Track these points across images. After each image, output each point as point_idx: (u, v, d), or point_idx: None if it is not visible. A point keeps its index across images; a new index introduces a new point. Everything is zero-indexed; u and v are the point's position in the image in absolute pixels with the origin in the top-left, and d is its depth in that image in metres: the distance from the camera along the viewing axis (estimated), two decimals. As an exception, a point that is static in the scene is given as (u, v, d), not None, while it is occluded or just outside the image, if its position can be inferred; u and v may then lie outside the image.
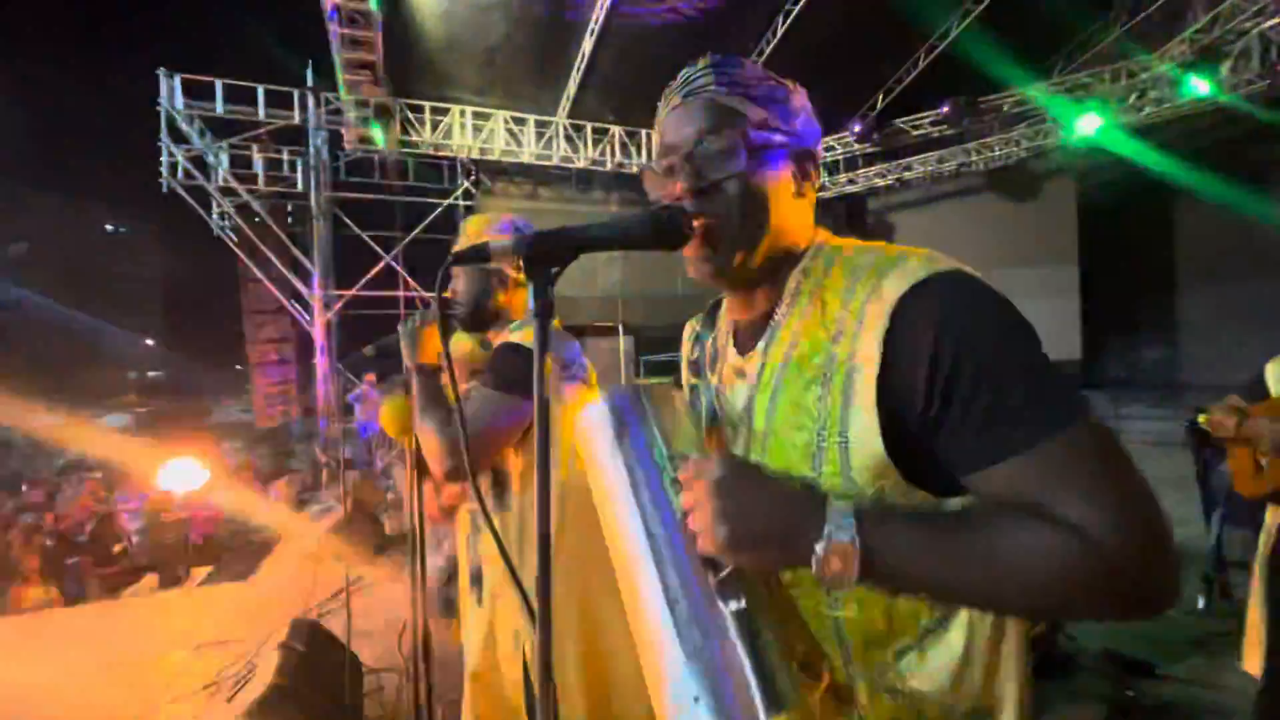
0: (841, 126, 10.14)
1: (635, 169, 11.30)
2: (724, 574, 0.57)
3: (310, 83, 9.57)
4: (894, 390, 0.58)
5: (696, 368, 0.84)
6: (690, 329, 0.93)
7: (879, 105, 10.43)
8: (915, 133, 9.27)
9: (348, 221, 10.73)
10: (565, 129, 10.56)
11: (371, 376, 9.51)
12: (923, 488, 0.60)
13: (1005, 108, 8.50)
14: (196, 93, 9.36)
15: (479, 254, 0.69)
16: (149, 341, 51.77)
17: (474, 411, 1.38)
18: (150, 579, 5.77)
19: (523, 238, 0.66)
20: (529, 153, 10.40)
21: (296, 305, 10.45)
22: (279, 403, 12.08)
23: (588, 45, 8.79)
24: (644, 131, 11.24)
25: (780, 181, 0.70)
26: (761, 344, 0.70)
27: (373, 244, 10.85)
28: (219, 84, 9.35)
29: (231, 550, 6.70)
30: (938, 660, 0.63)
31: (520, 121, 10.28)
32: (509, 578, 1.43)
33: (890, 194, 11.24)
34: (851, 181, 11.13)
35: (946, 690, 0.62)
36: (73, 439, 18.39)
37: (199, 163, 9.68)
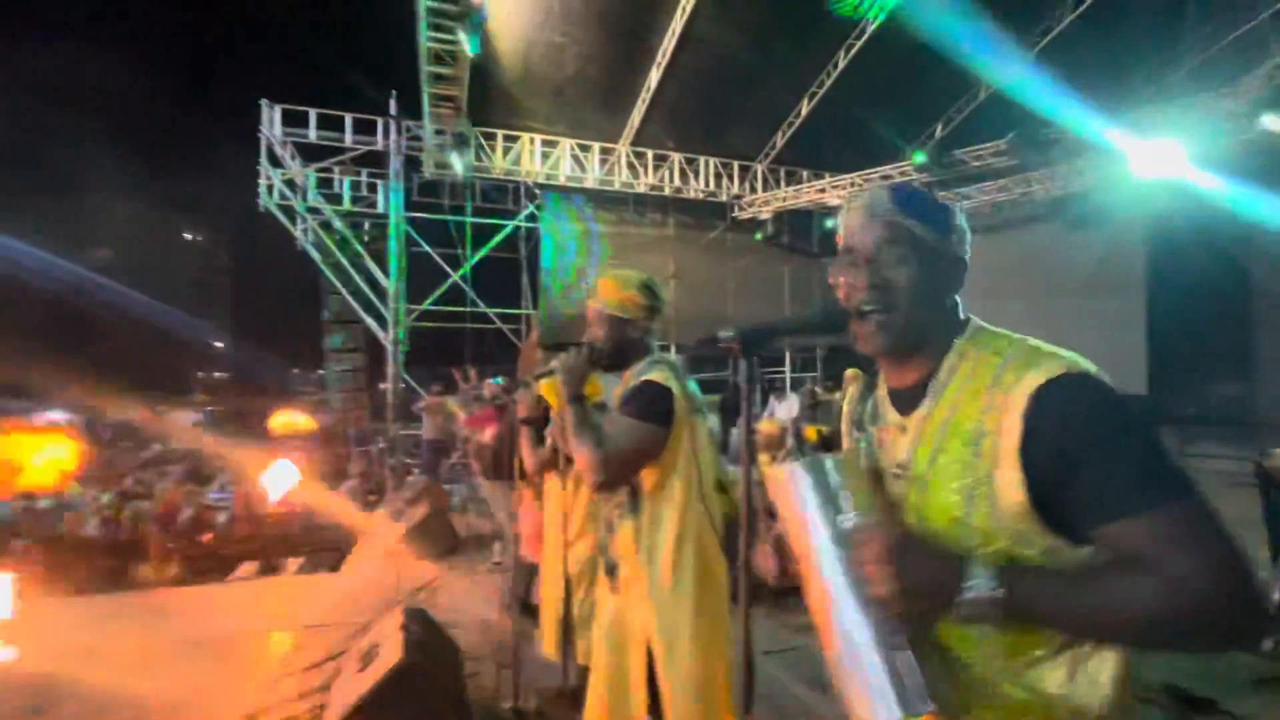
0: (900, 155, 10.28)
1: (693, 194, 11.69)
2: (891, 612, 0.75)
3: (393, 112, 10.36)
4: (1033, 457, 0.75)
5: (858, 422, 1.04)
6: (851, 392, 1.11)
7: (937, 134, 10.53)
8: (975, 164, 9.32)
9: (420, 240, 11.43)
10: (627, 155, 11.01)
11: (437, 388, 10.04)
12: (1057, 534, 0.76)
13: (1069, 140, 8.48)
14: (291, 120, 10.23)
15: (712, 343, 0.98)
16: (219, 344, 54.84)
17: (619, 436, 1.70)
18: (250, 566, 6.29)
19: (740, 329, 0.94)
20: (592, 177, 10.89)
21: (370, 318, 11.15)
22: (349, 408, 12.79)
23: (654, 77, 9.22)
24: (701, 158, 11.61)
25: (938, 282, 0.91)
26: (924, 408, 0.89)
27: (442, 262, 11.50)
28: (312, 113, 10.22)
29: (318, 544, 7.22)
30: (1070, 666, 0.78)
31: (585, 148, 10.79)
32: (642, 574, 1.72)
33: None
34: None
35: (1080, 694, 0.77)
36: (155, 433, 19.71)
37: (289, 183, 10.52)
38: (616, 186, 11.09)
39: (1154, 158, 7.91)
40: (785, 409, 8.18)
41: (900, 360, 0.93)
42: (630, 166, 11.14)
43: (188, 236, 54.63)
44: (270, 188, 10.28)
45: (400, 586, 4.83)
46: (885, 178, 10.19)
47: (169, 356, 45.61)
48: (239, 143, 10.88)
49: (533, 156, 10.55)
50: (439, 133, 9.36)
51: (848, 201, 0.96)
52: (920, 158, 9.63)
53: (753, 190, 11.89)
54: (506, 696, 3.14)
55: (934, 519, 0.83)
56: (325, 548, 7.24)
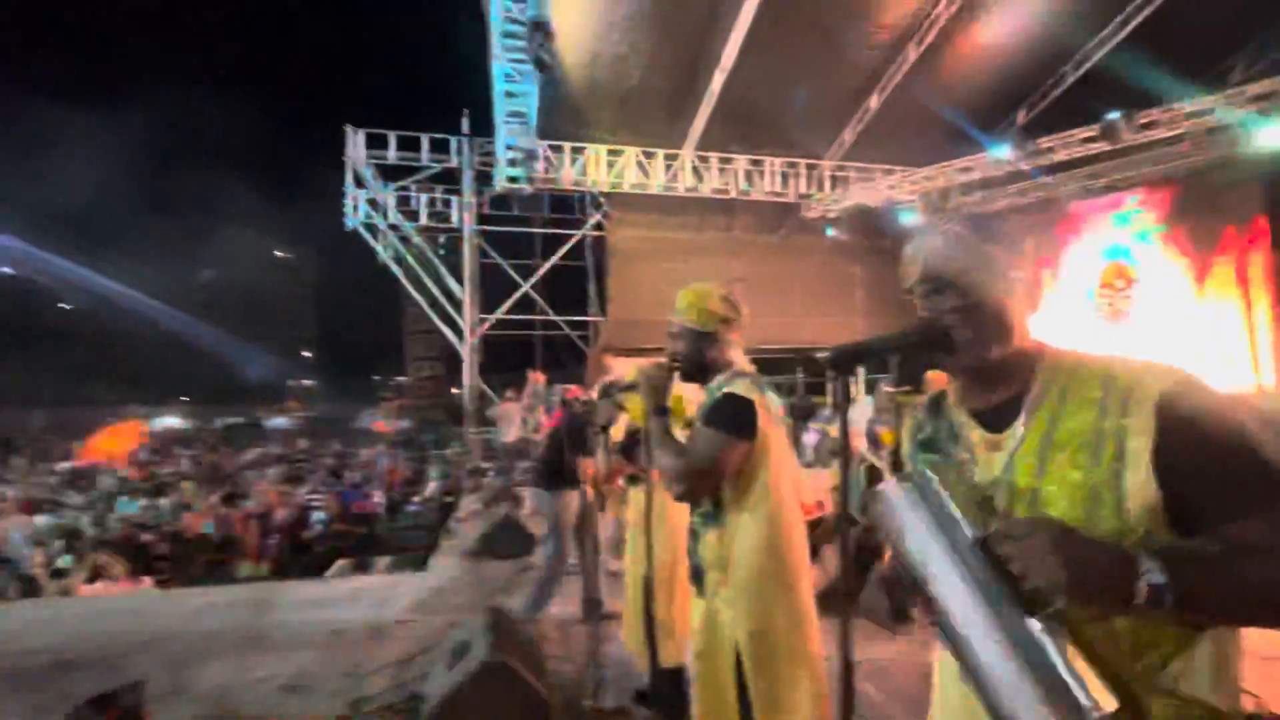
0: (979, 145, 9.81)
1: (759, 195, 11.59)
2: (1051, 611, 0.71)
3: (465, 130, 10.88)
4: (1165, 459, 0.79)
5: (930, 445, 1.05)
6: (912, 419, 1.13)
7: (1019, 121, 9.99)
8: (1064, 151, 8.77)
9: (491, 252, 11.90)
10: (692, 160, 11.05)
11: (511, 393, 10.39)
12: (1178, 530, 0.80)
13: (1170, 120, 7.86)
14: (373, 143, 10.90)
15: (807, 362, 1.01)
16: (306, 354, 58.74)
17: (701, 447, 1.74)
18: (344, 562, 6.71)
19: (835, 349, 0.95)
20: (656, 184, 10.99)
21: (446, 327, 11.68)
22: (427, 413, 13.39)
23: (717, 81, 9.22)
24: (767, 159, 11.49)
25: (1017, 303, 0.94)
26: (1020, 423, 0.91)
27: (513, 272, 11.93)
28: (392, 135, 10.86)
29: (404, 544, 7.61)
30: (1198, 665, 0.79)
31: (649, 155, 10.91)
32: (728, 579, 1.75)
33: (1032, 212, 10.62)
34: (987, 200, 10.66)
35: (1209, 693, 0.79)
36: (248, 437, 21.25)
37: (371, 203, 11.21)
38: (681, 191, 11.15)
39: (1271, 132, 7.22)
40: (858, 412, 7.95)
41: (987, 379, 0.96)
42: (694, 171, 11.17)
43: (280, 255, 58.67)
44: (355, 207, 10.99)
45: (481, 586, 5.01)
46: (964, 170, 9.74)
47: (262, 365, 49.28)
48: (327, 167, 11.70)
49: (599, 166, 10.76)
50: (509, 147, 9.72)
51: (928, 227, 0.99)
52: (1000, 149, 9.16)
53: (820, 189, 11.65)
54: (587, 695, 3.22)
55: None
56: (410, 547, 7.63)
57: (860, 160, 11.62)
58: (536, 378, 8.90)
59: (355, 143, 10.78)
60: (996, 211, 10.29)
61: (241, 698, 3.14)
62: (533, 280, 12.00)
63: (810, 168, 11.68)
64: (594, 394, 4.13)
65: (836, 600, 2.08)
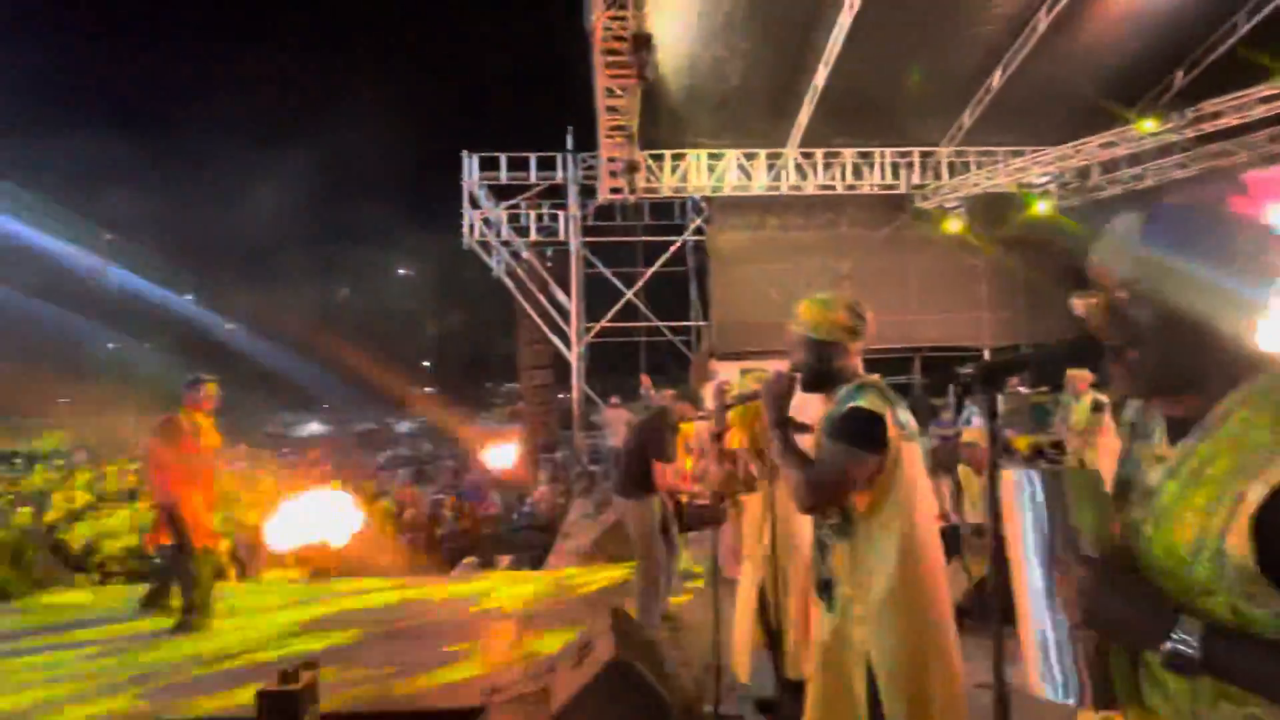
0: (1122, 119, 8.80)
1: (867, 189, 11.11)
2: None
3: (569, 146, 11.37)
4: (1266, 532, 0.71)
5: (1135, 431, 0.98)
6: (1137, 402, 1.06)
7: (1176, 86, 8.86)
8: (1236, 115, 7.65)
9: (596, 262, 12.30)
10: (795, 158, 10.81)
11: (616, 399, 10.64)
12: None
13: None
14: (486, 165, 11.66)
15: (952, 379, 0.97)
16: (426, 364, 63.52)
17: (827, 461, 1.71)
18: (471, 559, 7.16)
19: (981, 365, 0.93)
20: (759, 185, 10.85)
21: (554, 336, 12.20)
22: (538, 419, 14.00)
23: (821, 75, 8.96)
24: (875, 150, 10.99)
25: (1205, 319, 0.81)
26: (1184, 446, 0.83)
27: (616, 281, 12.25)
28: (503, 157, 11.57)
29: (523, 543, 8.01)
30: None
31: (751, 156, 10.80)
32: (861, 595, 1.70)
33: (1193, 186, 9.37)
34: (1136, 178, 9.54)
35: None
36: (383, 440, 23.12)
37: (485, 221, 11.97)
38: (784, 190, 10.93)
39: None
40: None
41: (1159, 397, 0.89)
42: (798, 169, 10.90)
43: (402, 273, 63.77)
44: (471, 227, 11.79)
45: (597, 587, 5.15)
46: (1107, 146, 8.78)
47: (390, 375, 53.72)
48: (445, 190, 12.60)
49: (699, 171, 10.80)
50: (611, 160, 10.00)
51: (1119, 229, 0.88)
52: (1149, 122, 8.14)
53: (936, 177, 10.96)
54: (708, 699, 3.22)
55: (1162, 557, 0.81)
56: (529, 547, 8.02)
57: (981, 144, 10.80)
58: (645, 380, 9.07)
59: (470, 167, 11.58)
60: (1150, 189, 9.17)
61: (391, 681, 3.44)
62: (635, 288, 12.25)
63: (925, 156, 11.03)
64: (710, 402, 4.13)
65: (967, 618, 1.97)
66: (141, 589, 4.56)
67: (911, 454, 1.74)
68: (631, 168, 9.76)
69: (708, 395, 7.21)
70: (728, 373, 9.88)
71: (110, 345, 30.11)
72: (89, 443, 23.93)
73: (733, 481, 3.35)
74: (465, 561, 7.07)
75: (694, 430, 5.67)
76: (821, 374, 1.86)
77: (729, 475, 3.14)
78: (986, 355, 11.66)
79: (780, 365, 2.01)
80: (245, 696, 2.91)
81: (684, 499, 4.68)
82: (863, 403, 1.73)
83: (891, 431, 1.68)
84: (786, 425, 1.83)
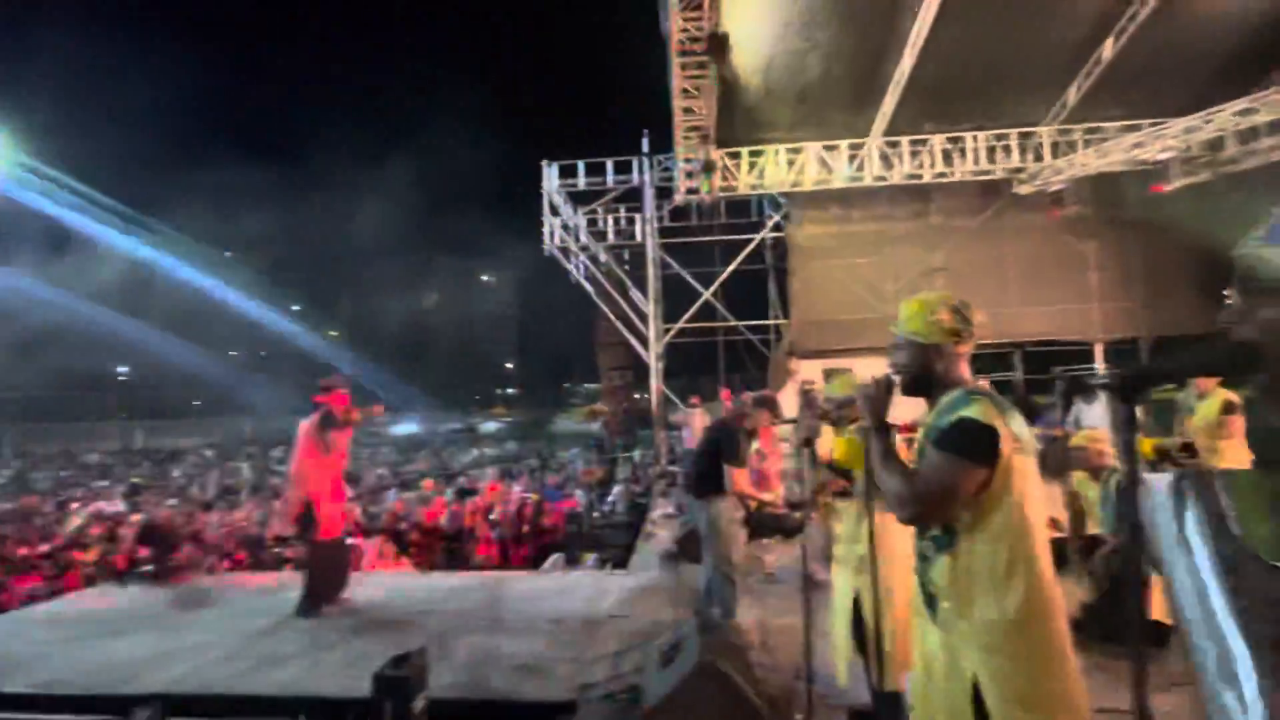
0: (1261, 80, 7.83)
1: (959, 176, 10.49)
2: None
3: (645, 149, 11.48)
4: None
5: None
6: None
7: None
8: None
9: (672, 263, 12.34)
10: (879, 148, 10.39)
11: (695, 399, 10.61)
12: None
13: None
14: (565, 172, 11.97)
15: (1082, 388, 0.89)
16: (509, 365, 65.85)
17: (932, 471, 1.63)
18: (557, 556, 7.35)
19: (1122, 372, 0.86)
20: (840, 177, 10.50)
21: (632, 337, 12.33)
22: (617, 419, 14.20)
23: (907, 61, 8.56)
24: (968, 135, 10.37)
25: None
26: None
27: (693, 281, 12.25)
28: (580, 164, 11.84)
29: (607, 543, 8.14)
30: None
31: (831, 148, 10.47)
32: (966, 612, 1.62)
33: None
34: (1251, 155, 8.43)
35: None
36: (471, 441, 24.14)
37: (564, 228, 12.28)
38: (868, 182, 10.52)
39: None
40: (1096, 413, 6.77)
41: None
42: (883, 159, 10.46)
43: (485, 279, 66.51)
44: (551, 234, 12.13)
45: (680, 588, 5.15)
46: (1244, 113, 7.84)
47: (474, 377, 56.44)
48: (526, 199, 13.05)
49: (777, 166, 10.60)
50: (687, 160, 10.00)
51: (1266, 218, 0.83)
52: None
53: (1038, 159, 10.19)
54: (798, 708, 3.16)
55: None
56: (610, 545, 8.14)
57: (1089, 120, 9.94)
58: (725, 394, 9.00)
59: (550, 175, 11.93)
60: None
61: (488, 672, 3.59)
62: (713, 288, 12.18)
63: (1024, 137, 10.28)
64: (792, 402, 4.04)
65: (1079, 634, 1.83)
66: (263, 575, 5.01)
67: (1025, 468, 1.63)
68: (708, 167, 9.72)
69: (788, 395, 7.07)
70: (809, 372, 9.66)
71: (231, 353, 33.37)
72: (217, 442, 26.61)
73: (825, 487, 3.27)
74: (551, 558, 7.26)
75: (773, 435, 5.58)
76: (922, 379, 1.78)
77: (821, 481, 3.06)
78: (1098, 350, 10.73)
79: (864, 363, 1.95)
80: (361, 679, 3.15)
81: (754, 505, 4.61)
82: (972, 412, 1.63)
83: (1004, 445, 1.59)
84: (886, 432, 1.77)
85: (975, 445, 1.58)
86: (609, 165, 11.79)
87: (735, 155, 10.62)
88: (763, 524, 5.38)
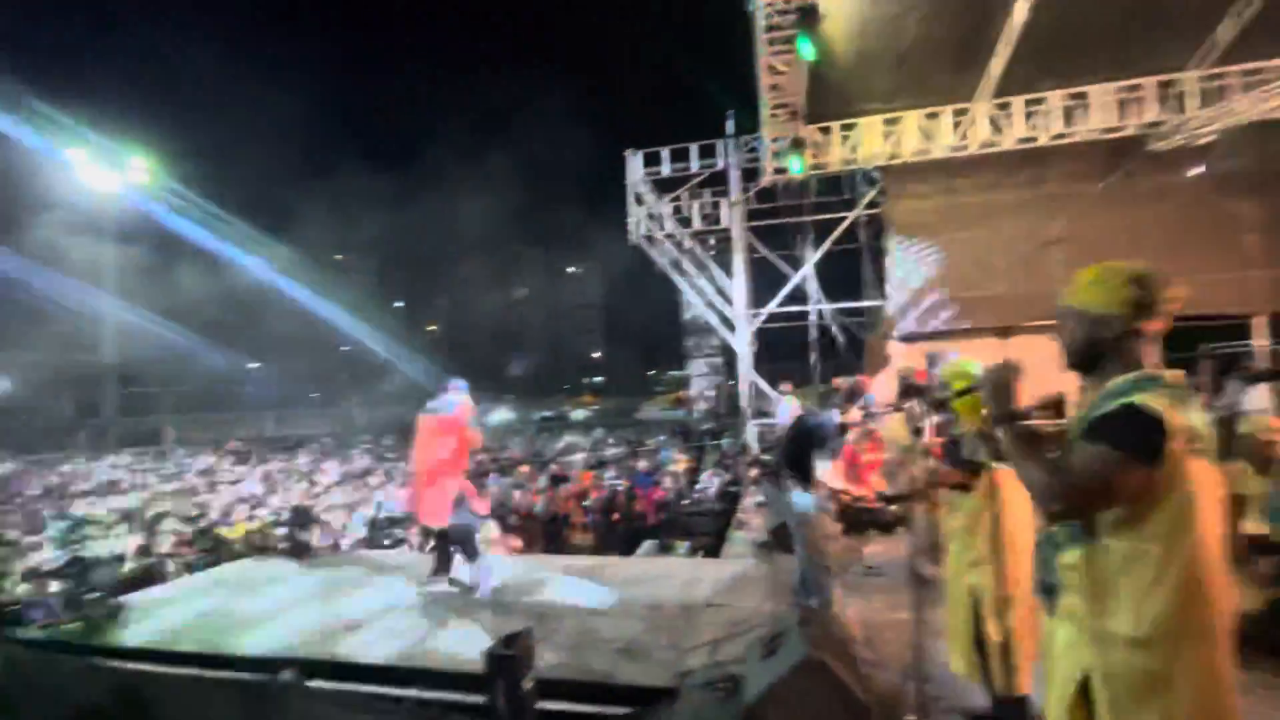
0: None
1: (1081, 136, 9.46)
2: None
3: (730, 131, 11.19)
4: None
5: None
6: None
7: None
8: None
9: (760, 247, 12.02)
10: (987, 111, 9.57)
11: (787, 386, 10.30)
12: None
13: None
14: (649, 160, 11.93)
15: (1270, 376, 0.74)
16: (596, 355, 67.26)
17: (1084, 463, 1.44)
18: (651, 543, 7.43)
19: None
20: (943, 146, 9.77)
21: (720, 324, 12.16)
22: (707, 405, 14.13)
23: (1019, 12, 7.79)
24: (1091, 89, 9.32)
25: None
26: None
27: (782, 264, 11.88)
28: (664, 151, 11.75)
29: (695, 529, 8.14)
30: None
31: (933, 116, 9.76)
32: (1096, 611, 1.45)
33: None
34: None
35: None
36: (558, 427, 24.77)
37: (649, 216, 12.26)
38: (975, 149, 9.71)
39: None
40: (1257, 398, 5.93)
41: None
42: (992, 123, 9.62)
43: (571, 270, 68.17)
44: (637, 224, 12.16)
45: (776, 578, 5.03)
46: None
47: (562, 367, 58.23)
48: (609, 189, 13.17)
49: (872, 139, 10.00)
50: (775, 140, 9.66)
51: None
52: None
53: (1179, 110, 8.99)
54: (908, 708, 3.00)
55: None
56: (703, 533, 8.12)
57: (1247, 60, 8.64)
58: (788, 387, 8.73)
59: (633, 165, 11.93)
60: None
61: (588, 654, 3.67)
62: (803, 270, 11.76)
63: (1164, 86, 9.07)
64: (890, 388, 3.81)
65: (1247, 649, 1.60)
66: (381, 554, 5.39)
67: (1201, 473, 1.41)
68: (796, 144, 9.33)
69: (885, 381, 6.71)
70: (909, 356, 9.11)
71: (343, 348, 36.26)
72: (335, 430, 28.94)
73: (935, 478, 3.08)
74: (645, 544, 7.34)
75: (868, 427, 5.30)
76: (1089, 357, 1.59)
77: (930, 472, 2.87)
78: (1258, 324, 9.41)
79: (970, 346, 1.78)
80: (471, 654, 3.32)
81: (846, 499, 4.40)
82: (1143, 399, 1.44)
83: (1174, 441, 1.39)
84: (1015, 419, 1.60)
85: (1136, 437, 1.39)
86: (693, 150, 11.62)
87: (826, 130, 10.11)
88: (855, 519, 5.14)
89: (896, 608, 4.05)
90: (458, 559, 4.89)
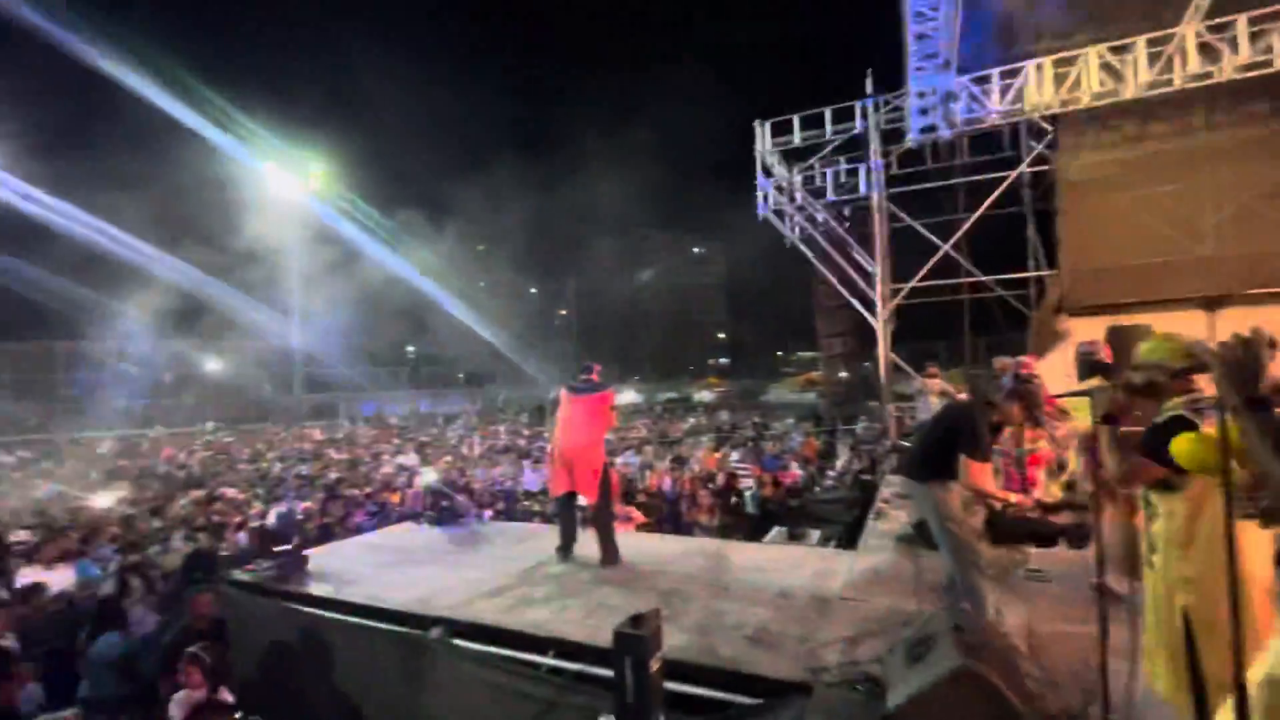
0: None
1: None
2: None
3: (869, 91, 10.27)
4: None
5: None
6: None
7: None
8: None
9: (903, 215, 11.01)
10: (1194, 38, 7.94)
11: (933, 367, 9.42)
12: None
13: None
14: (778, 130, 11.33)
15: None
16: (721, 335, 66.68)
17: None
18: (780, 529, 7.19)
19: None
20: (1134, 85, 8.27)
21: (856, 300, 11.37)
22: (839, 389, 13.40)
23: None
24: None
25: None
26: None
27: (928, 233, 10.79)
28: (795, 119, 11.06)
29: (827, 517, 7.75)
30: None
31: (1120, 50, 8.28)
32: None
33: None
34: None
35: None
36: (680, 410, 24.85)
37: (778, 189, 11.69)
38: (1176, 85, 8.11)
39: None
40: None
41: None
42: (1202, 50, 7.97)
43: (697, 250, 67.90)
44: (765, 197, 11.65)
45: (919, 576, 4.62)
46: None
47: (687, 348, 58.55)
48: (735, 164, 12.75)
49: (1043, 84, 8.71)
50: (922, 95, 8.73)
51: None
52: None
53: None
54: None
55: None
56: (833, 521, 7.70)
57: None
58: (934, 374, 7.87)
59: (762, 135, 11.40)
60: None
61: (716, 639, 3.58)
62: (954, 238, 10.59)
63: None
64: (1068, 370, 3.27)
65: None
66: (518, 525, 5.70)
67: None
68: (948, 98, 8.36)
69: (1056, 361, 5.86)
70: (1087, 331, 7.85)
71: (486, 335, 39.16)
72: (479, 408, 31.54)
73: (1129, 474, 2.59)
74: (774, 530, 7.11)
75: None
76: None
77: (1130, 468, 2.40)
78: None
79: (1167, 319, 1.42)
80: (599, 628, 3.37)
81: (997, 506, 3.85)
82: None
83: None
84: (1261, 406, 1.29)
85: None
86: (827, 115, 10.82)
87: (983, 80, 8.95)
88: (1007, 529, 4.42)
89: (1067, 619, 3.53)
90: (587, 533, 5.03)
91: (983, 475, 3.51)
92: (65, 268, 25.66)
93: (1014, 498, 3.93)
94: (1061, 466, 5.04)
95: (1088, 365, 4.37)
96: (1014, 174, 10.01)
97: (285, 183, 28.53)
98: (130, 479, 12.26)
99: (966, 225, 10.39)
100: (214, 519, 7.51)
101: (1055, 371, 5.41)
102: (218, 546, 6.48)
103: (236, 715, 2.64)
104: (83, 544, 6.41)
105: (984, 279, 10.57)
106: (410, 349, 44.94)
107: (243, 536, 6.88)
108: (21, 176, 24.46)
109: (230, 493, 9.60)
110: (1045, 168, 9.64)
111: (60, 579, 5.39)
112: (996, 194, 10.14)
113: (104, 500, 9.44)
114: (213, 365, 32.20)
